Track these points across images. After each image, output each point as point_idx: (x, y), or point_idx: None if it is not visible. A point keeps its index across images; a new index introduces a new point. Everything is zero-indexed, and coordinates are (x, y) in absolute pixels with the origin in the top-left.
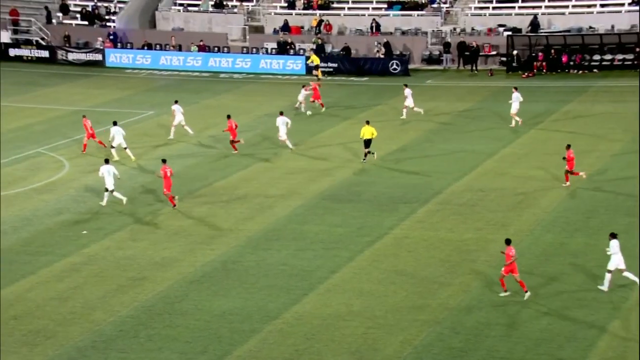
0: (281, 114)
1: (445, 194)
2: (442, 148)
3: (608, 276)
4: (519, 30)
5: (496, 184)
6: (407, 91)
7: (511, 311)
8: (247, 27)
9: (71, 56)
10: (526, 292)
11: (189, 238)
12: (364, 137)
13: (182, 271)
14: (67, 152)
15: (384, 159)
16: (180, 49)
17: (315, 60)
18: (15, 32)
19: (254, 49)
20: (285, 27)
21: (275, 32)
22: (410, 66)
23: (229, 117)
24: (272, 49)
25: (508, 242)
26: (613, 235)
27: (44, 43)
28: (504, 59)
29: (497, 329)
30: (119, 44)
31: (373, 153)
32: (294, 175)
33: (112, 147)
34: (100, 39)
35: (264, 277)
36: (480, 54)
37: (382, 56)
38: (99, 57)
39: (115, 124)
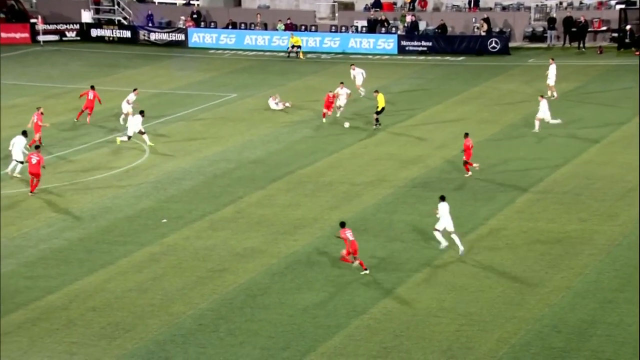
0: (341, 84)
1: (547, 182)
2: (544, 132)
3: (438, 234)
4: (633, 3)
5: (603, 171)
6: (357, 70)
7: (619, 309)
8: (336, 4)
9: (153, 36)
10: (365, 269)
11: (271, 228)
12: (381, 105)
13: (264, 262)
14: (148, 137)
15: (479, 144)
16: (265, 28)
17: (294, 41)
18: (97, 11)
19: (343, 28)
20: (377, 4)
21: (366, 9)
22: (511, 44)
23: (92, 87)
24: (362, 27)
25: (342, 224)
26: (442, 198)
27: (126, 23)
28: (615, 34)
29: (602, 328)
30: (202, 23)
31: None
32: (382, 162)
33: (142, 132)
34: (183, 18)
35: (349, 270)
36: (589, 29)
37: (483, 33)
38: (181, 37)
39: (142, 113)
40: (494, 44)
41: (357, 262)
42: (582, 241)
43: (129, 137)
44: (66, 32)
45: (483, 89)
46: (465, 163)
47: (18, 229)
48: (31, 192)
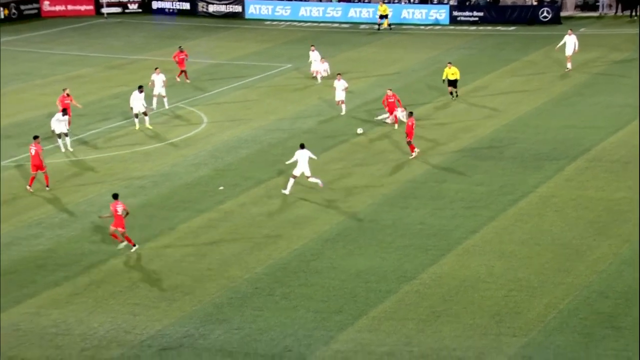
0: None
1: (596, 150)
2: (593, 101)
3: (292, 181)
4: None
5: None
6: (315, 53)
7: None
8: None
9: (212, 8)
10: (134, 245)
11: (324, 195)
12: (452, 77)
13: (317, 229)
14: (206, 107)
15: (529, 114)
16: (320, 0)
17: (382, 10)
18: None
19: None
20: None
21: None
22: (563, 13)
23: (180, 48)
24: None
25: (115, 196)
26: (301, 146)
27: None
28: None
29: None
30: None
31: (456, 91)
32: (433, 131)
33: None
34: None
35: (400, 237)
36: None
37: (535, 3)
38: (238, 8)
39: (140, 89)
40: (545, 14)
41: (123, 244)
42: (630, 209)
43: (137, 115)
44: (128, 5)
45: (533, 59)
46: (410, 143)
47: (83, 195)
48: (29, 186)
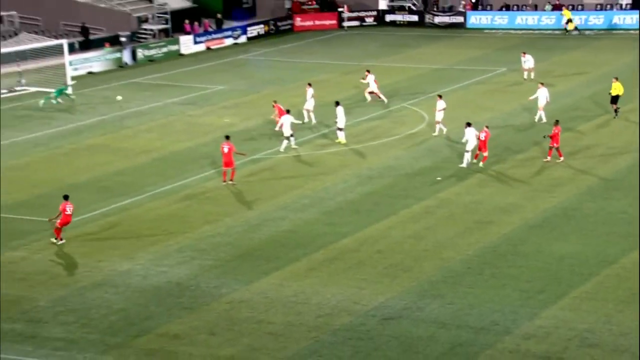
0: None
1: None
2: None
3: (467, 154)
4: None
5: None
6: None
7: None
8: None
9: (437, 19)
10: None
11: (531, 186)
12: (616, 92)
13: (524, 216)
14: (427, 107)
15: None
16: (535, 9)
17: (567, 14)
18: None
19: (608, 5)
20: None
21: None
22: None
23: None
24: (626, 4)
25: (65, 197)
26: (468, 124)
27: (414, 8)
28: None
29: None
30: (479, 7)
31: (618, 109)
32: (634, 127)
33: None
34: (462, 2)
35: (602, 225)
36: None
37: None
38: (460, 19)
39: (337, 104)
40: None
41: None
42: None
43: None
44: (365, 18)
45: None
46: (551, 149)
47: (321, 183)
48: (224, 181)
